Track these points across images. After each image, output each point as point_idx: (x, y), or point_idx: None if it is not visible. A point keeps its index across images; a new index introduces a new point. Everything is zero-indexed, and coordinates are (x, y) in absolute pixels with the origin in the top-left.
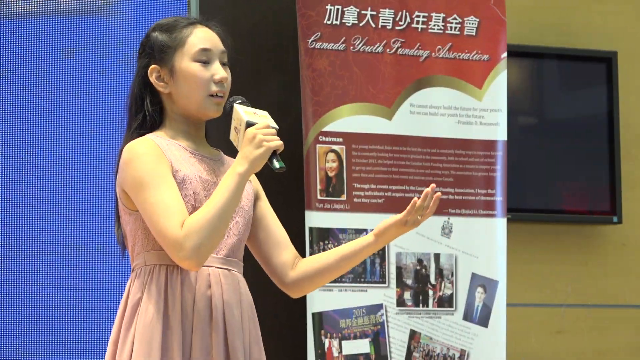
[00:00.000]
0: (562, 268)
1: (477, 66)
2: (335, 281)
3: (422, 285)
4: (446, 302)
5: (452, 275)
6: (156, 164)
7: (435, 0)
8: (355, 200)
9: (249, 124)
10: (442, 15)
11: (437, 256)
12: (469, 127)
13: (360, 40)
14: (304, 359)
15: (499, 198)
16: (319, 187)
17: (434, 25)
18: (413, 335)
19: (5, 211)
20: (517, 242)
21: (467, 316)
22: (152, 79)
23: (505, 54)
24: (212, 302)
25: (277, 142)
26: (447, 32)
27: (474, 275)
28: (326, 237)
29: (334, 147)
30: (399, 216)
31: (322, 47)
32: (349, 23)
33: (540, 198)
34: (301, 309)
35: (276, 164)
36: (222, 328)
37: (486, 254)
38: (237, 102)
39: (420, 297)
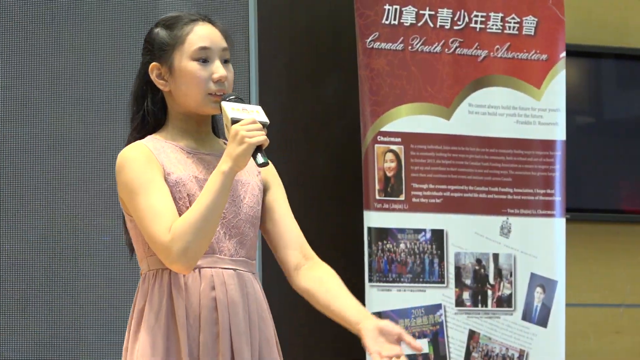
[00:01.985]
0: (620, 268)
1: (535, 66)
2: (393, 281)
3: (481, 285)
4: (505, 302)
5: (510, 275)
6: (146, 168)
7: (494, 0)
8: (414, 200)
9: (234, 121)
10: (501, 14)
11: (495, 256)
12: (527, 127)
13: (418, 40)
14: (363, 359)
15: (558, 198)
16: (377, 187)
17: (492, 25)
18: (472, 335)
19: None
20: (575, 241)
21: (526, 316)
22: (153, 76)
23: (563, 54)
24: (216, 304)
25: (259, 138)
26: (505, 31)
27: (532, 275)
28: (385, 237)
29: (393, 147)
30: (371, 351)
31: (380, 47)
32: (407, 23)
33: (598, 198)
34: None
35: (259, 160)
36: (228, 329)
37: (545, 253)
38: (229, 99)
39: (479, 297)
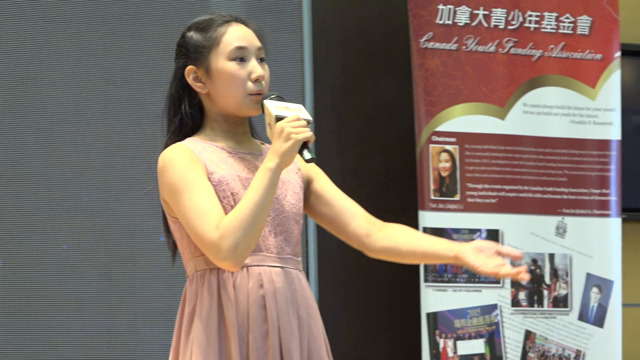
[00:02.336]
0: None
1: (590, 65)
2: (449, 281)
3: (537, 285)
4: (561, 302)
5: (566, 275)
6: (189, 168)
7: None
8: (469, 200)
9: (278, 118)
10: (555, 14)
11: (551, 256)
12: (582, 126)
13: (472, 39)
14: (419, 359)
15: (613, 198)
16: (432, 187)
17: (547, 24)
18: (528, 335)
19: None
20: (631, 241)
21: (583, 316)
22: (190, 79)
23: (618, 53)
24: (265, 302)
25: (306, 134)
26: (559, 31)
27: (588, 276)
28: (440, 237)
29: (447, 147)
30: (476, 266)
31: (434, 47)
32: (461, 23)
33: None
34: (415, 309)
35: (306, 155)
36: (277, 327)
37: (601, 253)
38: (270, 97)
39: (535, 297)
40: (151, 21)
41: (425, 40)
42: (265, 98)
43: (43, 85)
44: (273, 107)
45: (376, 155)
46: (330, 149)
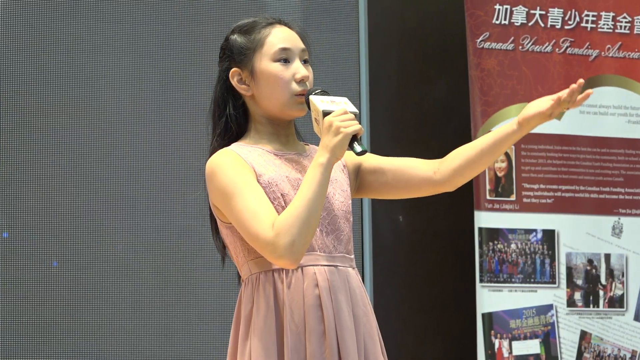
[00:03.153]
0: None
1: None
2: (504, 282)
3: (593, 285)
4: (617, 302)
5: (622, 276)
6: (237, 171)
7: None
8: (525, 200)
9: (326, 113)
10: (612, 14)
11: (607, 256)
12: (638, 126)
13: (529, 39)
14: (474, 359)
15: None
16: (488, 187)
17: (604, 24)
18: (584, 335)
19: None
20: None
21: (638, 317)
22: (234, 82)
23: None
24: (321, 301)
25: (354, 127)
26: (616, 31)
27: None
28: (495, 237)
29: None
30: (543, 108)
31: (490, 47)
32: (517, 23)
33: None
34: (471, 310)
35: (357, 148)
36: (334, 327)
37: None
38: (315, 92)
39: (591, 298)
40: (206, 23)
41: (482, 40)
42: (310, 94)
43: (97, 88)
44: (319, 101)
45: (432, 155)
46: (386, 148)
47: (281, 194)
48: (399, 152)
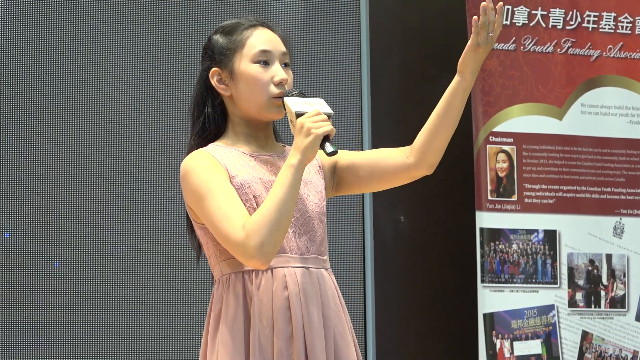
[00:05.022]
0: None
1: None
2: (506, 282)
3: (594, 285)
4: (618, 302)
5: (624, 276)
6: (210, 173)
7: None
8: (526, 200)
9: (298, 114)
10: (613, 14)
11: (609, 257)
12: None
13: (530, 40)
14: (476, 359)
15: None
16: (489, 187)
17: (605, 24)
18: (585, 336)
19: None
20: None
21: None
22: (213, 81)
23: None
24: (289, 303)
25: (325, 128)
26: (618, 31)
27: None
28: (497, 237)
29: (505, 147)
30: (469, 42)
31: (492, 47)
32: (519, 23)
33: None
34: (472, 310)
35: (328, 149)
36: (302, 328)
37: None
38: (291, 94)
39: (592, 298)
40: (206, 23)
41: None
42: (287, 95)
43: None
44: (293, 103)
45: None
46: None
47: (253, 196)
48: None
